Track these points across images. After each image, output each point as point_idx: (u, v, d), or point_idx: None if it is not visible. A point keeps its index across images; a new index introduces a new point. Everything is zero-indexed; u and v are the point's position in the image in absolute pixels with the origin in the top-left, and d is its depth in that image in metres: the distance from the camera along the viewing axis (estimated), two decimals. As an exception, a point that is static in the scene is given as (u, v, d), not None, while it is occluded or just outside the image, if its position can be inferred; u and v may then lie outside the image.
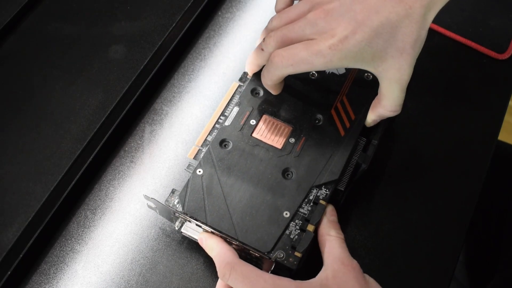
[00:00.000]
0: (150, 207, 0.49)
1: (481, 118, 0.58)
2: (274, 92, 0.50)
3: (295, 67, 0.45)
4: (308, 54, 0.44)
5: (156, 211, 0.49)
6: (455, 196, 0.53)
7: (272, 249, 0.43)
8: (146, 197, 0.46)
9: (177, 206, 0.45)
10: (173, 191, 0.46)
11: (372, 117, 0.49)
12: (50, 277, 0.48)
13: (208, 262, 0.49)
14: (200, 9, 0.63)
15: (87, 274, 0.49)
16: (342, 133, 0.48)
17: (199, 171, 0.46)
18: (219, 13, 0.65)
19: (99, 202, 0.52)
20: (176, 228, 0.46)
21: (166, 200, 0.46)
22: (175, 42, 0.60)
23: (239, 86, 0.52)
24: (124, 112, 0.56)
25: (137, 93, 0.57)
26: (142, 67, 0.57)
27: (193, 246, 0.50)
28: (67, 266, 0.49)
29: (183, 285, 0.48)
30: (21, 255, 0.47)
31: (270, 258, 0.43)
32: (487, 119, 0.58)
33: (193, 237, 0.46)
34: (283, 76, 0.47)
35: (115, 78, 0.57)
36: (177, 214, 0.46)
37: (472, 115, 0.58)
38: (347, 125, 0.49)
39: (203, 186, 0.45)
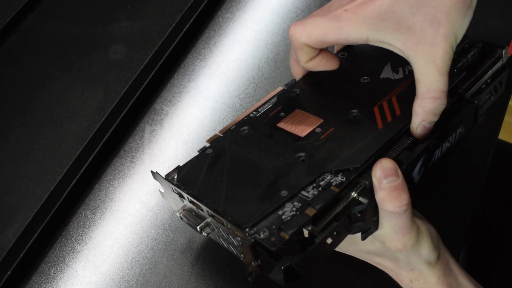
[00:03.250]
0: (160, 192, 0.47)
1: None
2: (313, 68, 0.45)
3: (309, 35, 0.41)
4: (322, 19, 0.40)
5: (163, 196, 0.47)
6: (455, 196, 0.53)
7: (254, 225, 0.37)
8: (153, 173, 0.44)
9: (175, 178, 0.42)
10: (177, 167, 0.44)
11: (415, 119, 0.40)
12: (50, 277, 0.48)
13: (208, 262, 0.49)
14: (200, 9, 0.63)
15: (87, 274, 0.49)
16: (380, 125, 0.42)
17: (209, 151, 0.44)
18: (219, 13, 0.65)
19: (99, 202, 0.52)
20: (177, 214, 0.44)
21: (167, 174, 0.43)
22: (175, 42, 0.60)
23: (283, 89, 0.48)
24: (124, 112, 0.56)
25: (137, 93, 0.57)
26: (142, 67, 0.57)
27: (194, 245, 0.50)
28: (67, 266, 0.49)
29: (183, 285, 0.48)
30: (21, 255, 0.47)
31: (247, 235, 0.36)
32: (487, 119, 0.58)
33: (191, 224, 0.43)
34: (302, 48, 0.42)
35: (115, 78, 0.57)
36: (173, 188, 0.43)
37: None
38: (389, 119, 0.42)
39: (206, 163, 0.43)
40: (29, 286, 0.48)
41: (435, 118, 0.40)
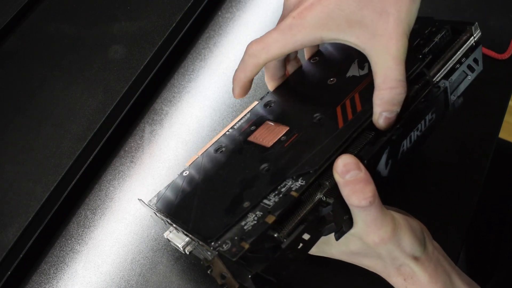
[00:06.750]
0: (151, 216, 0.48)
1: (481, 118, 0.58)
2: (239, 93, 0.45)
3: (267, 50, 0.41)
4: (276, 32, 0.40)
5: (153, 220, 0.48)
6: (455, 195, 0.53)
7: (218, 238, 0.37)
8: (140, 201, 0.45)
9: (155, 204, 0.44)
10: (158, 193, 0.45)
11: (375, 111, 0.40)
12: (50, 277, 0.48)
13: (208, 262, 0.49)
14: (200, 9, 0.63)
15: (87, 274, 0.49)
16: (341, 124, 0.41)
17: (185, 173, 0.45)
18: (219, 13, 0.65)
19: (99, 202, 0.52)
20: (165, 236, 0.44)
21: (149, 200, 0.45)
22: (175, 42, 0.60)
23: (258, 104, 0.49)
24: (124, 112, 0.56)
25: (137, 93, 0.57)
26: (142, 67, 0.57)
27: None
28: (67, 266, 0.49)
29: (183, 285, 0.48)
30: (21, 255, 0.47)
31: (211, 248, 0.37)
32: (487, 119, 0.58)
33: (176, 244, 0.43)
34: (257, 65, 0.42)
35: (115, 78, 0.57)
36: (154, 212, 0.44)
37: (472, 115, 0.58)
38: (349, 117, 0.42)
39: (182, 185, 0.44)
40: (29, 286, 0.48)
41: (396, 108, 0.40)
